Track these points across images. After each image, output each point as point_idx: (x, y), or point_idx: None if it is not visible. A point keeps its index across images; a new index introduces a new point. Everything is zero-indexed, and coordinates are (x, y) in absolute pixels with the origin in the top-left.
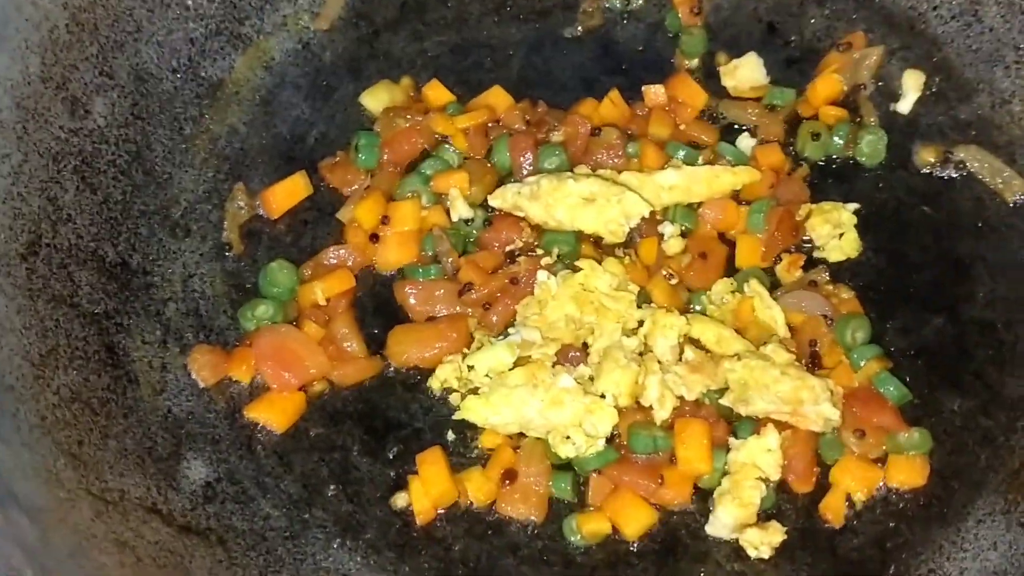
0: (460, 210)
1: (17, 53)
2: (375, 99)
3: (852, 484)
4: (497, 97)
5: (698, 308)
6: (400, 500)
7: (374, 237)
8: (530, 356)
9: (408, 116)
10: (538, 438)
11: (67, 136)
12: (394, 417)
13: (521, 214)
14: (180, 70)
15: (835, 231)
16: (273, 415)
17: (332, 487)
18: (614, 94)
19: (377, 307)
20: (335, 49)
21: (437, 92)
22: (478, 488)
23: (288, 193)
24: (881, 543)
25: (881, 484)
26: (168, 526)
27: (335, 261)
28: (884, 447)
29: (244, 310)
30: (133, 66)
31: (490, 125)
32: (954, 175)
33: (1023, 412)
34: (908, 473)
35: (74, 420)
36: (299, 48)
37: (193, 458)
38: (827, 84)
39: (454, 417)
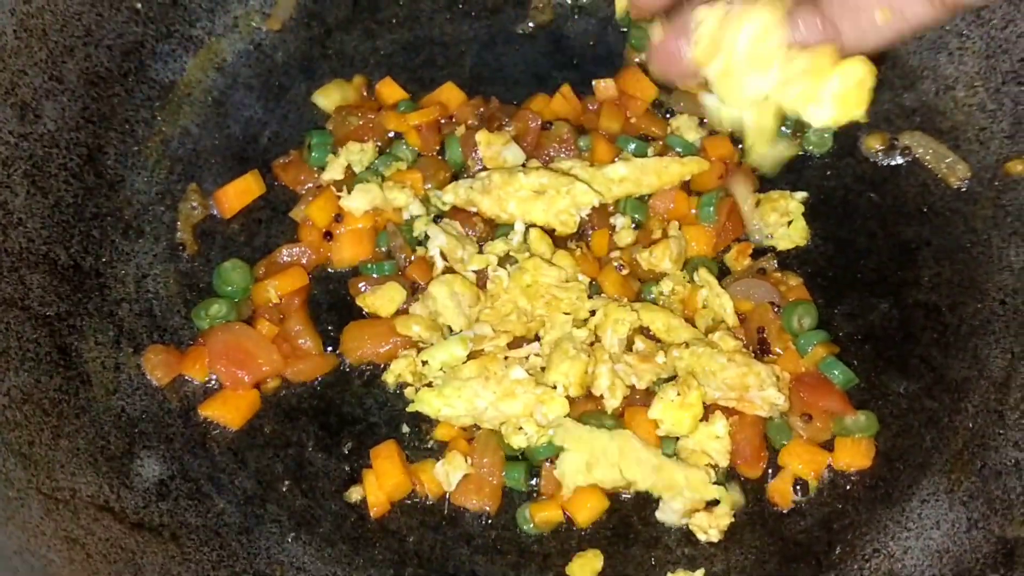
0: (412, 208)
1: None
2: (328, 98)
3: (800, 467)
4: (449, 93)
5: (650, 298)
6: (355, 494)
7: (328, 235)
8: (483, 350)
9: (360, 114)
10: (491, 430)
11: (16, 141)
12: (349, 412)
13: (473, 209)
14: (131, 73)
15: (783, 219)
16: (227, 413)
17: (287, 482)
18: (565, 89)
19: (332, 304)
20: (287, 49)
21: (390, 89)
22: (431, 480)
23: (241, 192)
24: (828, 524)
25: (828, 467)
26: (120, 523)
27: (289, 259)
28: (831, 430)
29: (198, 309)
30: (83, 70)
31: (443, 121)
32: (900, 161)
33: (966, 393)
34: (855, 455)
35: (25, 421)
36: (251, 49)
37: (147, 456)
38: None
39: (408, 409)
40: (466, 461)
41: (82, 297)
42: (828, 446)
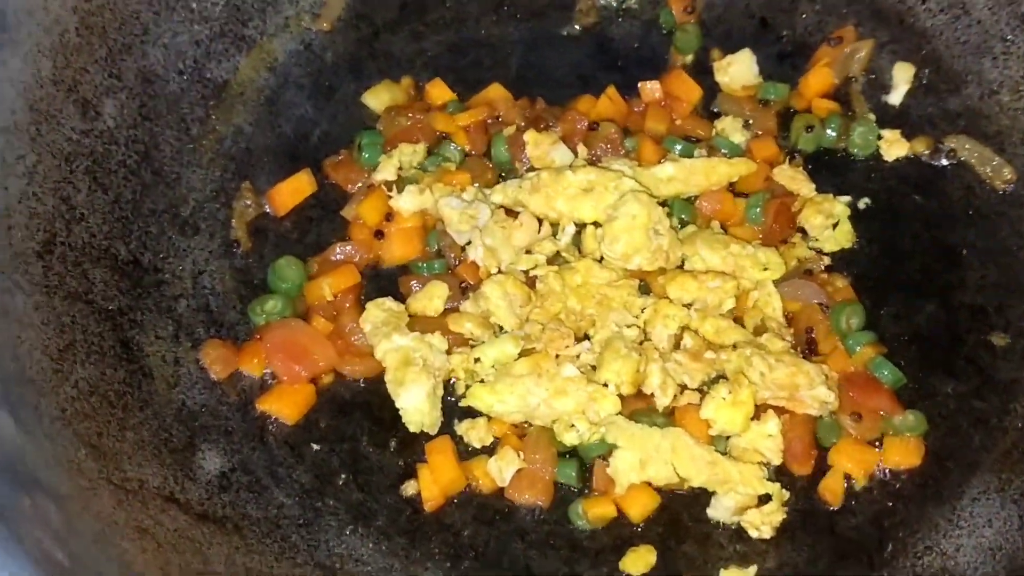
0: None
1: (29, 57)
2: (377, 98)
3: (850, 466)
4: (496, 94)
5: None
6: (410, 488)
7: (379, 234)
8: (535, 348)
9: (410, 115)
10: (543, 426)
11: (79, 137)
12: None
13: (520, 209)
14: (186, 71)
15: (828, 222)
16: (284, 407)
17: (343, 476)
18: (611, 91)
19: None
20: (336, 49)
21: (439, 90)
22: (485, 475)
23: (293, 191)
24: (879, 522)
25: (878, 465)
26: (186, 514)
27: (341, 257)
28: (880, 430)
29: (254, 305)
30: (140, 68)
31: (490, 122)
32: (945, 164)
33: (1015, 395)
34: (904, 454)
35: (93, 412)
36: (301, 49)
37: (208, 449)
38: (819, 78)
39: (461, 404)
40: (519, 457)
41: (142, 292)
42: (877, 445)
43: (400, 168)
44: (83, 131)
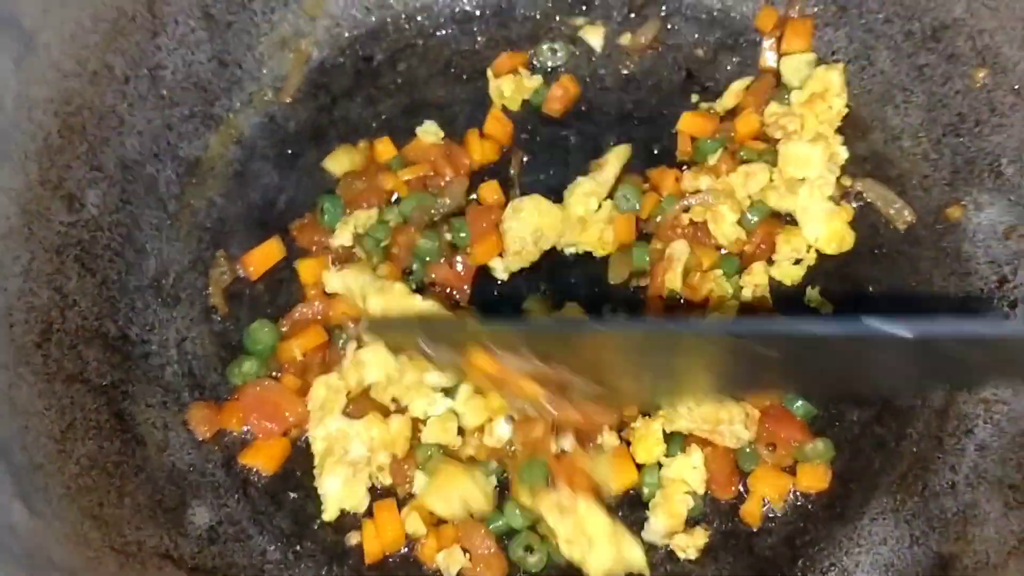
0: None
1: (18, 164)
2: (336, 163)
3: (767, 490)
4: (427, 141)
5: None
6: (352, 539)
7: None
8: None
9: (364, 179)
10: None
11: (66, 229)
12: None
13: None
14: (160, 154)
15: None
16: (263, 460)
17: (318, 520)
18: None
19: None
20: (298, 119)
21: (384, 147)
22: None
23: (265, 256)
24: (791, 541)
25: (791, 489)
26: (180, 569)
27: (308, 315)
28: (793, 457)
29: (232, 367)
30: (119, 157)
31: (429, 175)
32: (853, 206)
33: (910, 421)
34: (814, 479)
35: (94, 485)
36: (265, 121)
37: (197, 505)
38: (746, 123)
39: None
40: (464, 555)
41: (131, 365)
42: (790, 470)
43: (356, 232)
44: (70, 223)
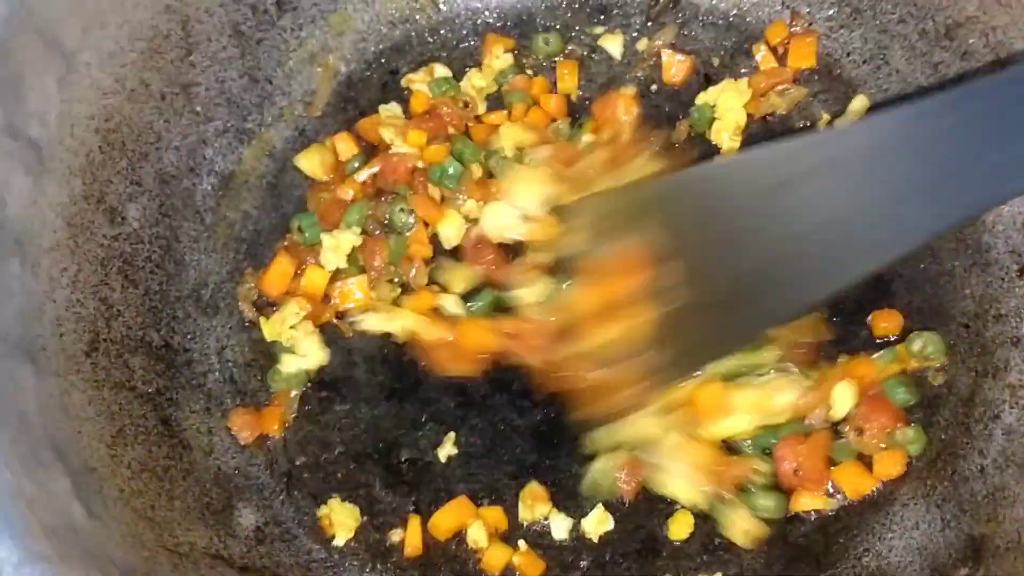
0: None
1: (63, 180)
2: (308, 161)
3: (848, 482)
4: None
5: None
6: (394, 536)
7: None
8: None
9: (331, 188)
10: None
11: (109, 242)
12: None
13: None
14: (196, 168)
15: None
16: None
17: (362, 519)
18: None
19: None
20: (327, 132)
21: (345, 144)
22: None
23: (280, 275)
24: (824, 529)
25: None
26: (231, 568)
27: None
28: (882, 443)
29: (271, 373)
30: (157, 171)
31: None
32: None
33: (938, 409)
34: (891, 465)
35: (145, 488)
36: (296, 135)
37: (243, 507)
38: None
39: None
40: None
41: (175, 373)
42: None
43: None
44: (112, 236)
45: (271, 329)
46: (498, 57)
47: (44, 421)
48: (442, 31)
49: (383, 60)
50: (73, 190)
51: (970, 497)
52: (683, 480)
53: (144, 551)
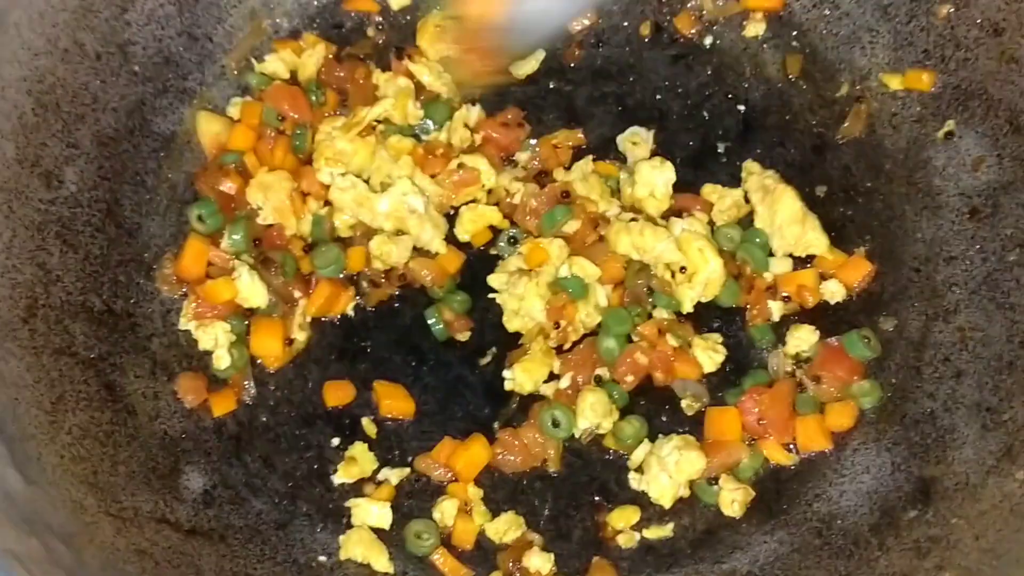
0: None
1: None
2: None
3: (806, 434)
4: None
5: None
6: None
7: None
8: None
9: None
10: None
11: (46, 207)
12: (358, 413)
13: None
14: (136, 130)
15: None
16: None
17: (312, 480)
18: None
19: None
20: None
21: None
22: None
23: (194, 260)
24: (776, 476)
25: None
26: (177, 532)
27: None
28: (838, 394)
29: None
30: (95, 134)
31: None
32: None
33: (889, 352)
34: (843, 417)
35: (87, 454)
36: (239, 93)
37: (191, 471)
38: None
39: None
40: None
41: (118, 337)
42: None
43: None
44: (49, 200)
45: (205, 342)
46: None
47: None
48: None
49: (327, 16)
50: (5, 154)
51: (920, 440)
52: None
53: (85, 516)
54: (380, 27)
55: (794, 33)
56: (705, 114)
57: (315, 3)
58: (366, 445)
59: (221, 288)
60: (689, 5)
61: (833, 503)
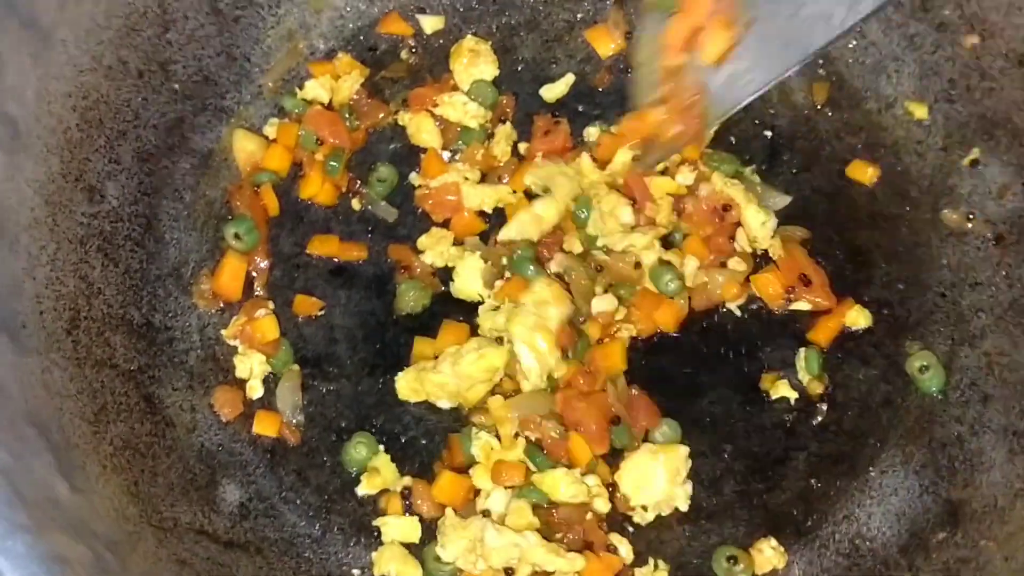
0: None
1: (40, 157)
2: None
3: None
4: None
5: None
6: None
7: None
8: None
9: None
10: None
11: (88, 220)
12: (390, 429)
13: None
14: (175, 147)
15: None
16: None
17: (345, 494)
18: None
19: None
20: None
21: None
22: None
23: (231, 277)
24: (805, 497)
25: (805, 451)
26: (215, 543)
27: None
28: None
29: None
30: (136, 149)
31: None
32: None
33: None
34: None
35: (128, 465)
36: (275, 113)
37: (227, 483)
38: None
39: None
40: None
41: (157, 350)
42: None
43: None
44: (92, 214)
45: (242, 370)
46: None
47: (25, 397)
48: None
49: (361, 37)
50: (51, 167)
51: (947, 463)
52: None
53: (128, 526)
54: (413, 50)
55: (821, 61)
56: (732, 139)
57: (350, 26)
58: (388, 456)
59: (267, 327)
60: None
61: (862, 524)
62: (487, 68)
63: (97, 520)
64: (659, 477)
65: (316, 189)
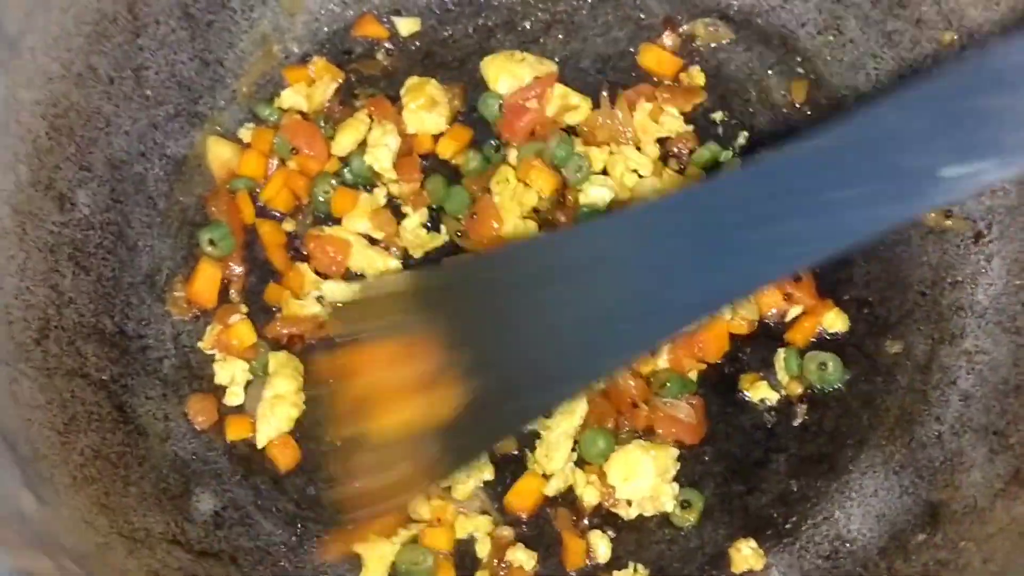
0: None
1: (8, 166)
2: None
3: None
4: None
5: None
6: None
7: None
8: None
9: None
10: None
11: (59, 229)
12: None
13: None
14: (148, 153)
15: None
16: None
17: (322, 503)
18: None
19: None
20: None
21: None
22: None
23: (207, 284)
24: (784, 499)
25: (786, 452)
26: (188, 553)
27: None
28: None
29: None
30: (107, 157)
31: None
32: None
33: (895, 376)
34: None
35: (99, 475)
36: (249, 118)
37: (201, 492)
38: None
39: None
40: None
41: (129, 359)
42: None
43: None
44: (62, 223)
45: (222, 376)
46: None
47: None
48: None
49: (336, 41)
50: (19, 176)
51: (928, 463)
52: None
53: (98, 537)
54: (389, 52)
55: (799, 59)
56: (710, 140)
57: (325, 29)
58: None
59: (243, 332)
60: (680, 31)
61: (842, 526)
62: (438, 120)
63: (64, 533)
64: (648, 473)
65: (273, 194)
